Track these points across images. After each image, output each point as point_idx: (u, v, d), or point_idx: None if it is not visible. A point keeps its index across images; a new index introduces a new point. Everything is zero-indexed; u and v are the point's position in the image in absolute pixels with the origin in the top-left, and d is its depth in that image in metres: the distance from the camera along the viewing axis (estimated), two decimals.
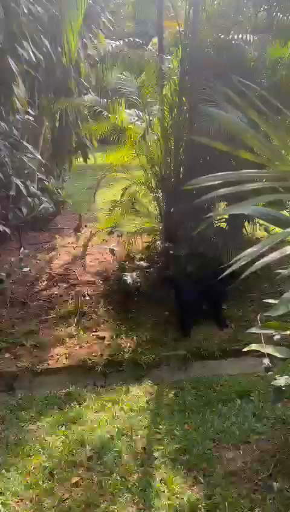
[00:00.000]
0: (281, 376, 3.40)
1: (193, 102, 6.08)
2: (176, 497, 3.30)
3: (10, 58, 6.22)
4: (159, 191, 6.94)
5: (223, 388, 4.84)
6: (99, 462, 3.72)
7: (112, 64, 6.13)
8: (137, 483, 3.45)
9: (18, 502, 3.33)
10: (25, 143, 7.61)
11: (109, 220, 6.99)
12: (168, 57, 6.50)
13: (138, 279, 6.23)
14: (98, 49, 9.11)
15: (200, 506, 3.19)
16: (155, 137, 6.72)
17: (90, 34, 9.15)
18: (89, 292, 6.70)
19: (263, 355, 5.35)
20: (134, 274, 6.25)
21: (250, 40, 5.65)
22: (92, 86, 9.66)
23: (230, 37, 5.66)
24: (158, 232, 7.11)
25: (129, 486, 3.42)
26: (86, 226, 8.95)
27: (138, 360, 5.46)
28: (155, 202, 7.10)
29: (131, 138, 6.63)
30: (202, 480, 3.44)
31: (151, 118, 6.79)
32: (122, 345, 5.72)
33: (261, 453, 3.71)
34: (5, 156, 7.29)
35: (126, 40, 5.97)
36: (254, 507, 3.15)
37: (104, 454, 3.82)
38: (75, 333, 5.98)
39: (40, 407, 4.70)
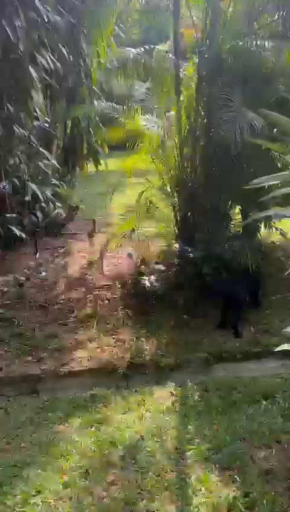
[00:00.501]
0: None
1: (211, 107, 6.17)
2: (213, 494, 3.35)
3: (30, 66, 6.35)
4: (175, 195, 7.01)
5: (247, 390, 4.89)
6: (133, 462, 3.77)
7: (133, 71, 6.21)
8: (173, 482, 3.50)
9: (57, 500, 3.38)
10: (41, 149, 7.71)
11: (126, 225, 7.03)
12: (185, 64, 6.60)
13: (156, 283, 6.29)
14: (110, 56, 9.28)
15: (238, 503, 3.24)
16: (172, 142, 6.81)
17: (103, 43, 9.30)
18: (107, 296, 6.76)
19: (284, 357, 5.48)
20: (152, 277, 6.32)
21: (267, 47, 5.74)
22: (104, 93, 9.81)
23: (248, 44, 5.75)
24: (174, 236, 7.18)
25: (166, 484, 3.48)
26: (99, 231, 9.00)
27: (160, 363, 5.51)
28: (171, 207, 7.16)
29: (149, 143, 6.70)
30: (238, 479, 3.49)
31: (167, 124, 6.88)
32: (143, 348, 5.76)
33: None
34: (22, 162, 7.40)
35: (146, 47, 6.06)
36: None
37: (137, 453, 3.87)
38: (95, 336, 6.03)
39: (66, 409, 4.74)
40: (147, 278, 6.28)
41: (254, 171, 6.42)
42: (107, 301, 6.68)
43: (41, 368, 5.53)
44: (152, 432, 4.20)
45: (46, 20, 6.40)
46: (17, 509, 3.36)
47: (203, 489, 3.42)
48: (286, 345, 3.73)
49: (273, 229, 6.90)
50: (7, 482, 3.60)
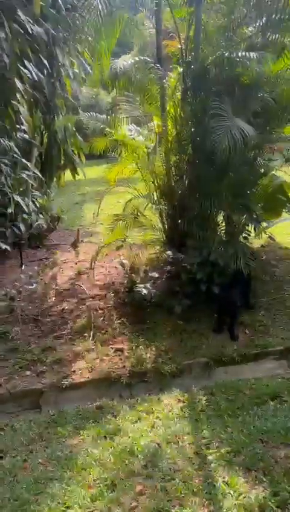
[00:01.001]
0: None
1: (198, 116, 6.29)
2: (243, 496, 3.40)
3: (16, 78, 6.30)
4: (163, 202, 7.08)
5: (252, 391, 4.98)
6: (156, 470, 3.77)
7: (123, 83, 6.29)
8: (201, 487, 3.53)
9: None
10: (24, 160, 7.63)
11: (115, 234, 7.04)
12: (170, 73, 6.71)
13: (152, 290, 6.32)
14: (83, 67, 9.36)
15: (269, 503, 3.30)
16: (158, 151, 6.90)
17: (77, 53, 9.34)
18: (100, 306, 6.74)
19: (281, 358, 5.64)
20: (148, 285, 6.34)
21: (253, 57, 5.90)
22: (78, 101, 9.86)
23: (234, 55, 5.90)
24: (162, 244, 7.24)
25: (194, 490, 3.50)
26: (82, 241, 8.97)
27: (161, 370, 5.53)
28: (157, 215, 7.23)
29: (135, 153, 6.77)
30: (264, 479, 3.55)
31: (153, 133, 6.97)
32: (143, 356, 5.76)
33: None
34: (3, 173, 7.31)
35: (137, 58, 6.14)
36: None
37: (158, 462, 3.87)
38: (92, 347, 5.99)
39: (75, 422, 4.69)
40: (143, 285, 6.29)
41: (239, 178, 6.59)
42: (101, 311, 6.64)
43: (42, 382, 5.44)
44: (168, 439, 4.21)
45: (30, 32, 6.37)
46: None
47: (232, 491, 3.46)
48: None
49: (262, 234, 7.09)
50: (32, 499, 3.53)
